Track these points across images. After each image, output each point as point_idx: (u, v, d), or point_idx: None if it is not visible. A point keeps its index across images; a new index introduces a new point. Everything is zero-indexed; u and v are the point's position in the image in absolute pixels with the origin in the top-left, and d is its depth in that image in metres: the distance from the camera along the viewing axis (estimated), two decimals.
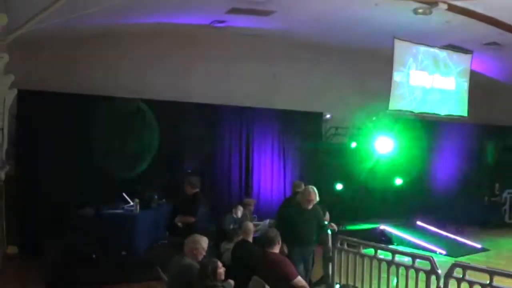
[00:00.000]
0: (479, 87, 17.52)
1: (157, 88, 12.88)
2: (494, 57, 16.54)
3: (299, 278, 6.46)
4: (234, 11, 11.91)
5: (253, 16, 12.45)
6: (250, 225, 7.84)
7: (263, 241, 6.93)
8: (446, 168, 17.23)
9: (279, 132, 14.65)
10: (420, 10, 12.67)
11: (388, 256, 6.45)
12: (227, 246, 8.49)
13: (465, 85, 16.47)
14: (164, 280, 6.21)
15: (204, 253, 6.10)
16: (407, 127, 15.84)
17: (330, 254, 7.86)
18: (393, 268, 6.40)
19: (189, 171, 12.48)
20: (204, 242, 6.15)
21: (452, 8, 12.49)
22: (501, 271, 4.76)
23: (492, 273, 4.71)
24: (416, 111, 15.57)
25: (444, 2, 12.26)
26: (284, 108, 14.68)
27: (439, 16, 12.82)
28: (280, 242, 6.82)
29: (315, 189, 7.94)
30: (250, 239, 7.66)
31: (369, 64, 15.74)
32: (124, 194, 10.75)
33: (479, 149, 17.69)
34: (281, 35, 14.22)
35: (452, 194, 16.90)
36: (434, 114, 16.11)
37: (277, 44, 14.69)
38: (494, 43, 15.08)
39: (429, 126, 16.91)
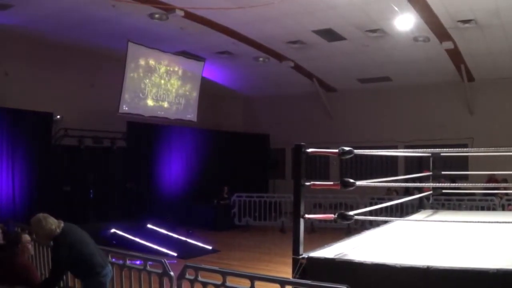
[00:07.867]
0: (210, 93, 18.26)
1: None
2: (225, 66, 17.37)
3: None
4: None
5: None
6: None
7: None
8: (176, 171, 17.53)
9: (8, 133, 13.43)
10: (157, 15, 12.76)
11: (120, 259, 6.21)
12: None
13: (196, 91, 17.06)
14: None
15: None
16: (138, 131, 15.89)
17: None
18: (125, 272, 6.17)
19: None
20: None
21: (188, 16, 12.77)
22: (233, 272, 4.80)
23: (224, 274, 4.72)
24: (147, 114, 15.67)
25: (181, 9, 12.47)
26: (14, 107, 13.51)
27: (175, 22, 13.03)
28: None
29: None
30: None
31: (103, 66, 15.58)
32: None
33: (208, 153, 18.32)
34: (19, 31, 13.59)
35: (181, 196, 17.25)
36: (164, 118, 16.40)
37: (13, 40, 13.87)
38: (227, 52, 15.82)
39: (159, 130, 17.04)
